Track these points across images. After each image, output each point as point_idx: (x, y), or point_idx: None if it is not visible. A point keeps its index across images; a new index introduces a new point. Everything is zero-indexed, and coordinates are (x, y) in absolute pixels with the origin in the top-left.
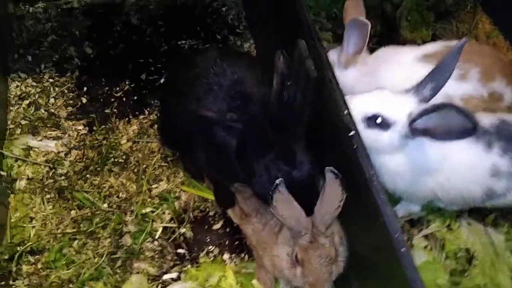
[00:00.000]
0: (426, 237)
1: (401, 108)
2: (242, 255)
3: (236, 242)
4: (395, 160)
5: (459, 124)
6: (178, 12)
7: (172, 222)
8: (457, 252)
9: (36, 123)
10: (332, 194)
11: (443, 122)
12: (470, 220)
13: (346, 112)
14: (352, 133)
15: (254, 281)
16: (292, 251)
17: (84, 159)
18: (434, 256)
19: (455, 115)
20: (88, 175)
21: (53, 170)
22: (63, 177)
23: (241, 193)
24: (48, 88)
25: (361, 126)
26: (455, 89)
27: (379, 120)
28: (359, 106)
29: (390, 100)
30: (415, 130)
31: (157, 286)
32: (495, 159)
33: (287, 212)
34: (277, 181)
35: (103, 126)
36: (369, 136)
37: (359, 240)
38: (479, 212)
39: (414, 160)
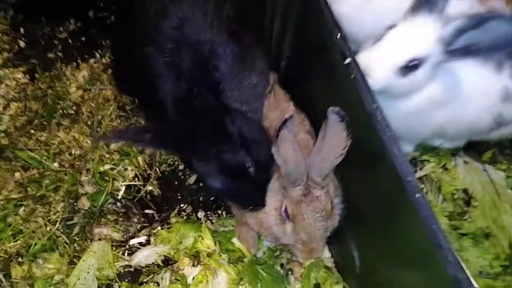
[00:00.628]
0: (421, 179)
1: (427, 37)
2: (219, 212)
3: (212, 198)
4: (412, 100)
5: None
6: None
7: (136, 179)
8: (454, 193)
9: None
10: (334, 139)
11: (484, 36)
12: (466, 158)
13: (339, 35)
14: (348, 60)
15: (235, 240)
16: (281, 205)
17: (26, 112)
18: (431, 199)
19: (501, 24)
20: (32, 131)
21: None
22: (2, 135)
23: None
24: None
25: (392, 80)
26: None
27: (414, 63)
28: (385, 60)
29: (412, 35)
30: (451, 52)
31: (123, 252)
32: (506, 81)
33: (289, 153)
34: (287, 116)
35: (46, 73)
36: (405, 84)
37: (359, 189)
38: (476, 149)
39: (432, 92)
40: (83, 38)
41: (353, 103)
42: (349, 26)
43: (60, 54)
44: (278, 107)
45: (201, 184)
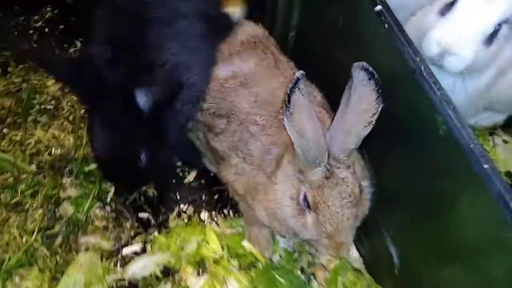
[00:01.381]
0: None
1: None
2: (225, 211)
3: (216, 196)
4: (486, 75)
5: None
6: None
7: None
8: None
9: None
10: (361, 104)
11: None
12: (506, 137)
13: None
14: (378, 7)
15: (245, 243)
16: (299, 192)
17: None
18: None
19: None
20: (5, 130)
21: None
22: None
23: (210, 129)
24: None
25: (480, 53)
26: None
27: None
28: (471, 31)
29: None
30: None
31: (115, 264)
32: None
33: (306, 123)
34: (298, 74)
35: (20, 66)
36: (490, 53)
37: (396, 167)
38: None
39: (505, 56)
40: (61, 26)
41: (388, 60)
42: None
43: (36, 44)
44: (280, 74)
45: (203, 181)
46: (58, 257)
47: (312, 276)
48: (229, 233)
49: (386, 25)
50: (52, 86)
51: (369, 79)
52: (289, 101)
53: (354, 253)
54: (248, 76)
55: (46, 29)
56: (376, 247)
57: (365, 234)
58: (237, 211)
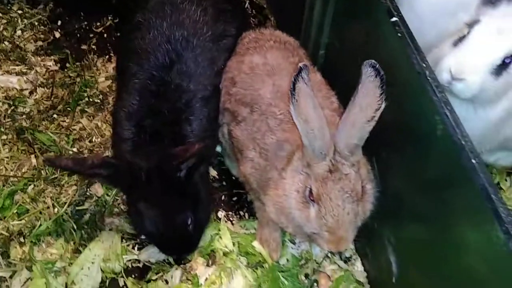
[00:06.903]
0: None
1: None
2: (241, 213)
3: (234, 198)
4: (496, 108)
5: None
6: None
7: None
8: None
9: None
10: (366, 99)
11: None
12: None
13: None
14: (394, 19)
15: (255, 243)
16: (304, 186)
17: (52, 98)
18: None
19: None
20: (55, 116)
21: (13, 108)
22: (24, 116)
23: (233, 116)
24: (16, 19)
25: (488, 82)
26: None
27: (508, 59)
28: (479, 60)
29: (502, 28)
30: None
31: (133, 246)
32: None
33: (310, 111)
34: (301, 65)
35: (77, 63)
36: (498, 85)
37: (399, 173)
38: None
39: None
40: (118, 34)
41: (400, 64)
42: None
43: (93, 46)
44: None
45: (224, 183)
46: (83, 232)
47: (315, 283)
48: (242, 233)
49: (399, 33)
50: (102, 83)
51: (376, 75)
52: (294, 89)
53: (358, 266)
54: (275, 67)
55: (105, 35)
56: (379, 258)
57: (370, 247)
58: (252, 214)
